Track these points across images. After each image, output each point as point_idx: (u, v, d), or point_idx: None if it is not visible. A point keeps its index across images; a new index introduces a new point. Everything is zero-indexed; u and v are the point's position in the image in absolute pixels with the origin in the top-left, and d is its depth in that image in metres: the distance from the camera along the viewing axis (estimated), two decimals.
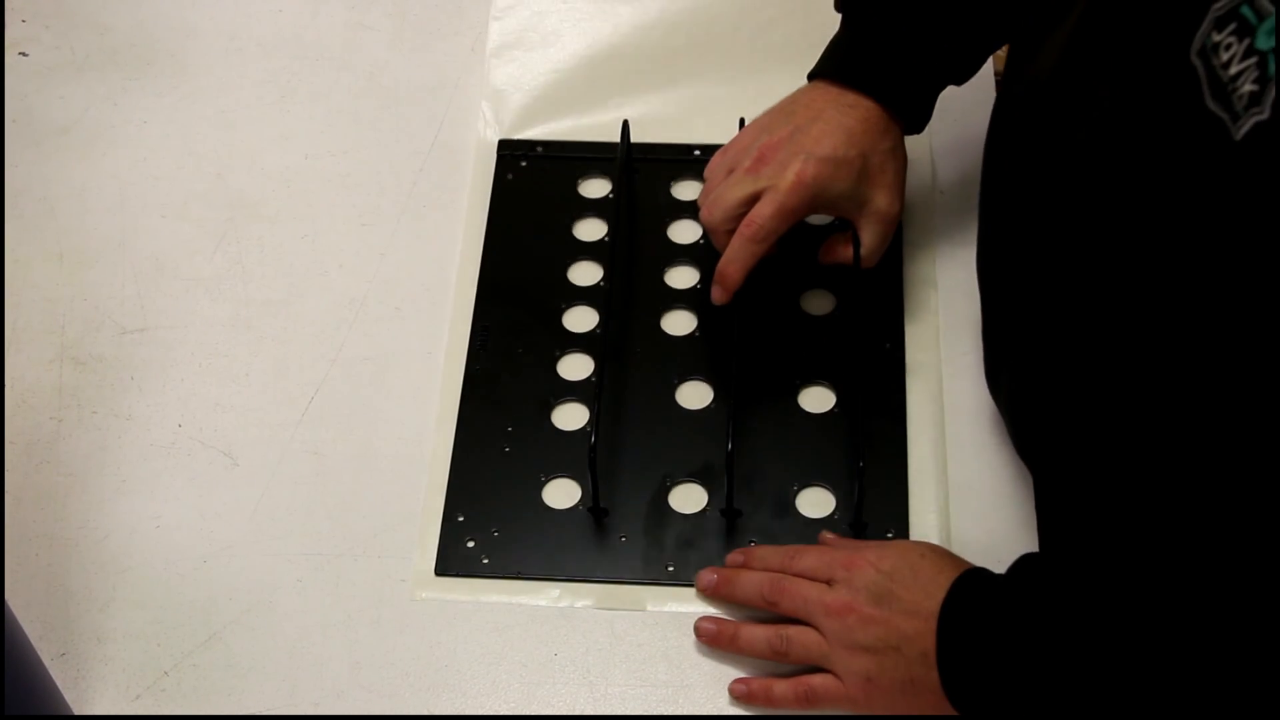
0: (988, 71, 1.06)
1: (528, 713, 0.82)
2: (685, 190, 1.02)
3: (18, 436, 0.93)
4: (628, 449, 0.90)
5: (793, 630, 0.82)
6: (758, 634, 0.82)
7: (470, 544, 0.87)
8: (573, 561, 0.86)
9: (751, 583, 0.84)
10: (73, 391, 0.94)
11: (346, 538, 0.88)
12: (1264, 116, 0.59)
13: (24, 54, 1.12)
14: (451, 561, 0.87)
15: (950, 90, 0.97)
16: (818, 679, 0.81)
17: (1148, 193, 0.66)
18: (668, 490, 0.89)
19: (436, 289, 0.98)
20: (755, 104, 1.01)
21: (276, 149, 1.06)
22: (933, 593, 0.78)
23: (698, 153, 1.03)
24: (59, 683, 0.81)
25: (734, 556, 0.86)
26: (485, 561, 0.86)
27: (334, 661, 0.84)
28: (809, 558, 0.83)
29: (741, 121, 0.99)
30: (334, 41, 1.13)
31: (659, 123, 1.04)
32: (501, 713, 0.82)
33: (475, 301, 0.97)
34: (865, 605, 0.79)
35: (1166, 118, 0.65)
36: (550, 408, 0.92)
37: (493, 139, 1.05)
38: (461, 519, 0.88)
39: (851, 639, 0.79)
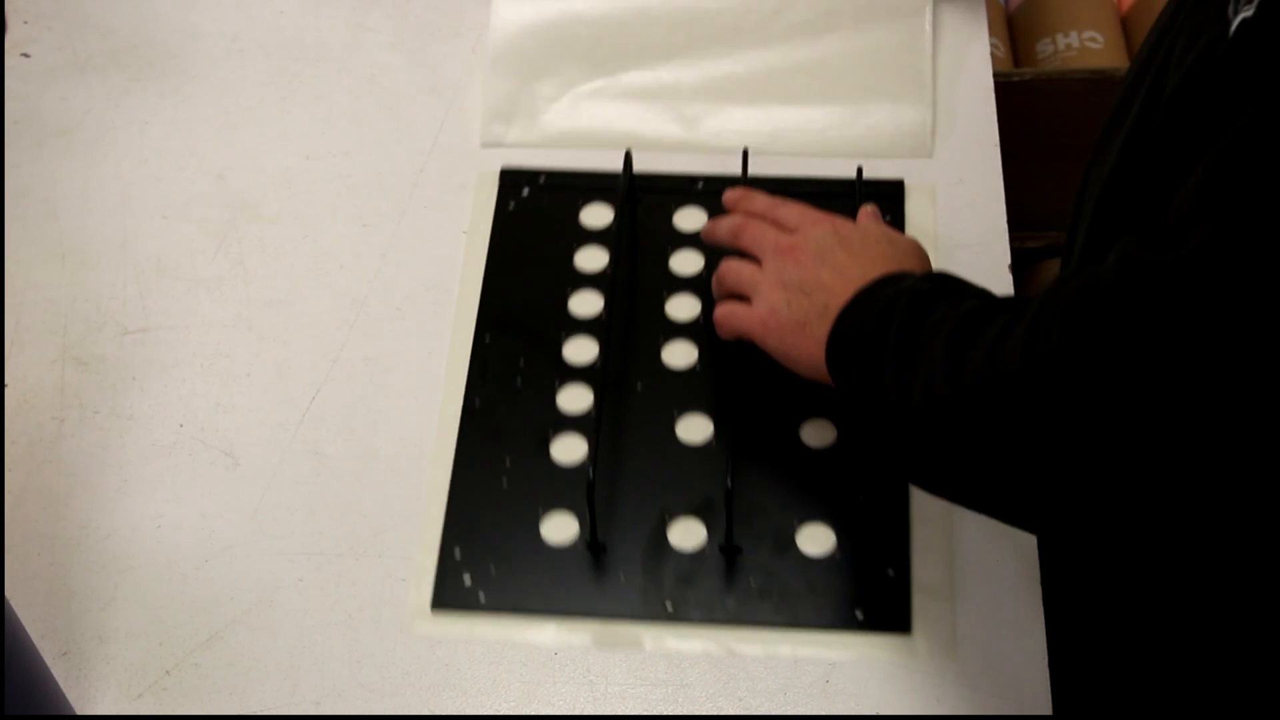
0: (987, 78, 1.06)
1: (528, 712, 0.82)
2: (688, 220, 1.00)
3: (20, 436, 0.93)
4: (627, 483, 0.88)
5: (737, 263, 0.90)
6: (726, 265, 0.90)
7: (467, 579, 0.85)
8: (570, 598, 0.85)
9: (726, 223, 0.92)
10: (75, 391, 0.95)
11: (347, 537, 0.88)
12: (1250, 13, 0.60)
13: (26, 55, 1.13)
14: (448, 597, 0.85)
15: (950, 93, 0.96)
16: (737, 303, 0.88)
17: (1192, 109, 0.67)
18: (666, 525, 0.87)
19: (437, 289, 0.98)
20: (759, 136, 1.01)
21: (278, 150, 1.07)
22: (870, 268, 0.82)
23: (700, 184, 1.01)
24: (61, 682, 0.81)
25: (731, 193, 0.94)
26: (482, 597, 0.85)
27: (335, 661, 0.84)
28: (790, 209, 0.90)
29: (745, 153, 0.98)
30: (335, 43, 1.13)
31: (662, 153, 1.03)
32: (502, 712, 0.82)
33: (475, 330, 0.95)
34: (806, 252, 0.86)
35: (1208, 43, 0.66)
36: (549, 440, 0.90)
37: (492, 153, 1.04)
38: (458, 553, 0.86)
39: (780, 275, 0.86)
